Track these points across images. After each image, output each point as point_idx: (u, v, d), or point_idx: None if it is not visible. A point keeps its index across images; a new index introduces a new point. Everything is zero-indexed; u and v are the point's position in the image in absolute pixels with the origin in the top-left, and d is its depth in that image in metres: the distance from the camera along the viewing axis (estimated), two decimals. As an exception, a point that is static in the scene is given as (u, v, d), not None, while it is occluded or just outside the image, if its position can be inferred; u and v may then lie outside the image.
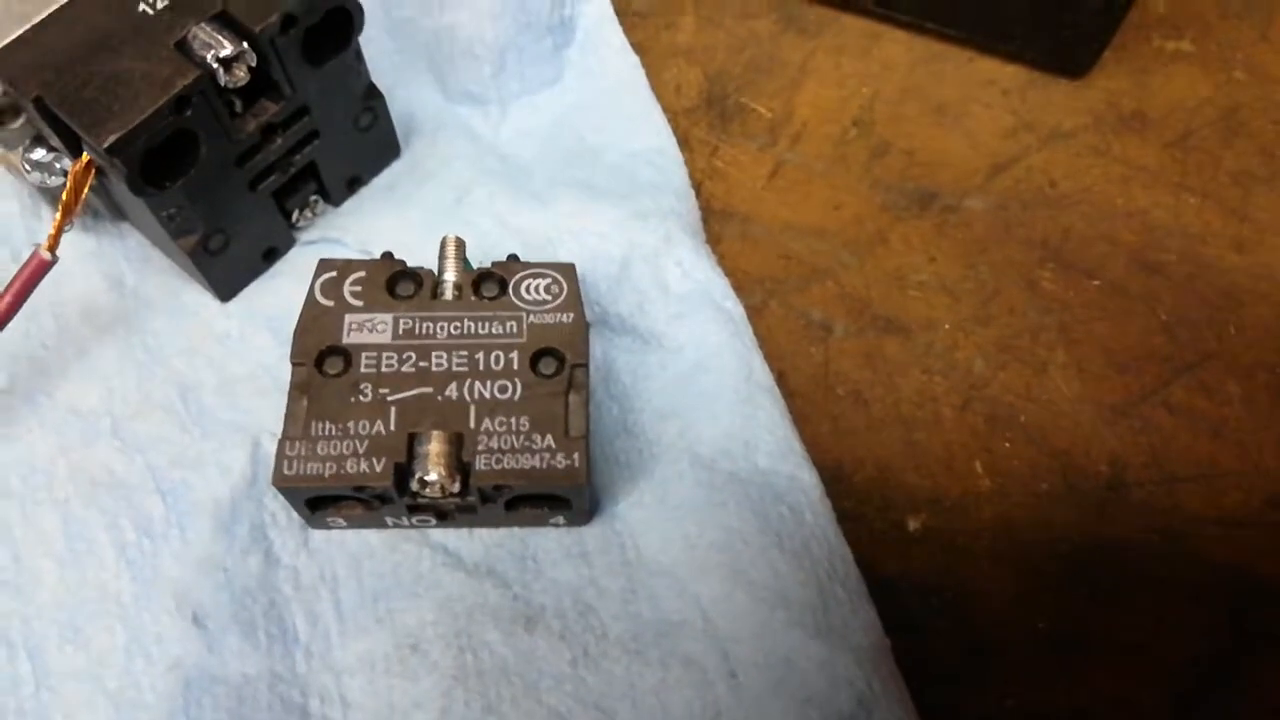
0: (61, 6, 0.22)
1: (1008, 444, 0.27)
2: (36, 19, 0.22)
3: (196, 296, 0.26)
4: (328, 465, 0.21)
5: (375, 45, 0.26)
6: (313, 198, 0.27)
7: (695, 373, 0.26)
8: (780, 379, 0.27)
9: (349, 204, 0.28)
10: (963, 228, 0.30)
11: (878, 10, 0.33)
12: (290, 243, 0.27)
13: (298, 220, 0.27)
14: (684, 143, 0.31)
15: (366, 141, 0.27)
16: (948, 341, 0.28)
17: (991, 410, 0.27)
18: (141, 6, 0.22)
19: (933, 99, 0.32)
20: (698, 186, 0.30)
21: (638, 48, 0.32)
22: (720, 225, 0.29)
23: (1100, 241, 0.30)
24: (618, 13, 0.32)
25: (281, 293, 0.26)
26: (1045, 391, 0.27)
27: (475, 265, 0.24)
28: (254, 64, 0.22)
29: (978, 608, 0.25)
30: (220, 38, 0.22)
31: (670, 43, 0.33)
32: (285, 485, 0.21)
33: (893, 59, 0.33)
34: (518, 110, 0.30)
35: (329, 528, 0.23)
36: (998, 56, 0.33)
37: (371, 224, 0.27)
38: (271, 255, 0.27)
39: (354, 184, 0.28)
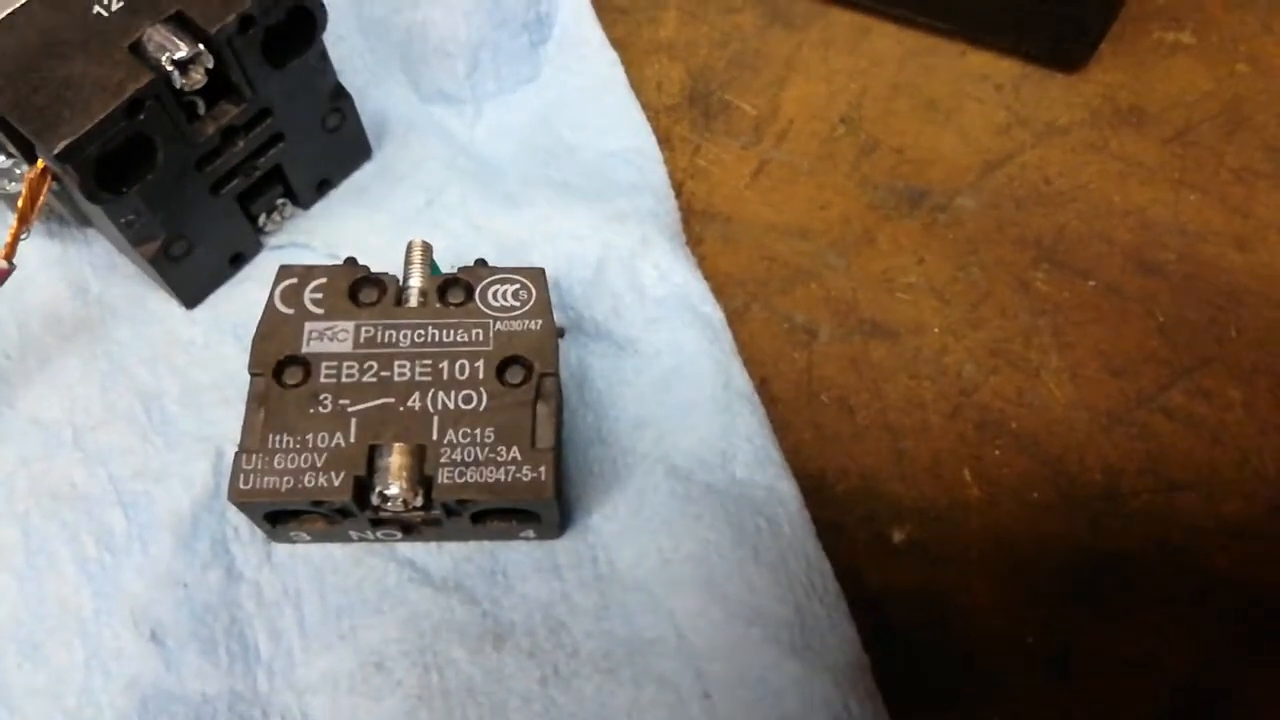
0: (13, 10, 0.22)
1: (998, 452, 0.26)
2: None
3: (162, 304, 0.26)
4: (285, 479, 0.20)
5: (346, 44, 0.26)
6: (280, 201, 0.26)
7: (672, 379, 0.25)
8: (762, 385, 0.27)
9: (318, 207, 0.28)
10: (953, 227, 0.29)
11: (867, 3, 0.32)
12: (257, 248, 0.27)
13: (265, 224, 0.26)
14: (665, 141, 0.30)
15: (335, 143, 0.27)
16: (937, 345, 0.28)
17: (982, 417, 0.27)
18: (95, 9, 0.22)
19: (923, 94, 0.32)
20: (679, 186, 0.30)
21: (618, 44, 0.32)
22: (702, 226, 0.29)
23: (1096, 241, 0.29)
24: (597, 8, 0.32)
25: (248, 299, 0.26)
26: (1038, 397, 0.27)
27: (446, 269, 0.24)
28: (211, 66, 0.22)
29: (965, 623, 0.24)
30: (175, 39, 0.21)
31: (652, 38, 0.33)
32: (241, 500, 0.20)
33: (882, 53, 0.33)
34: (493, 109, 0.30)
35: (292, 541, 0.23)
36: (991, 50, 0.33)
37: (341, 227, 0.27)
38: (238, 260, 0.26)
39: (323, 186, 0.27)
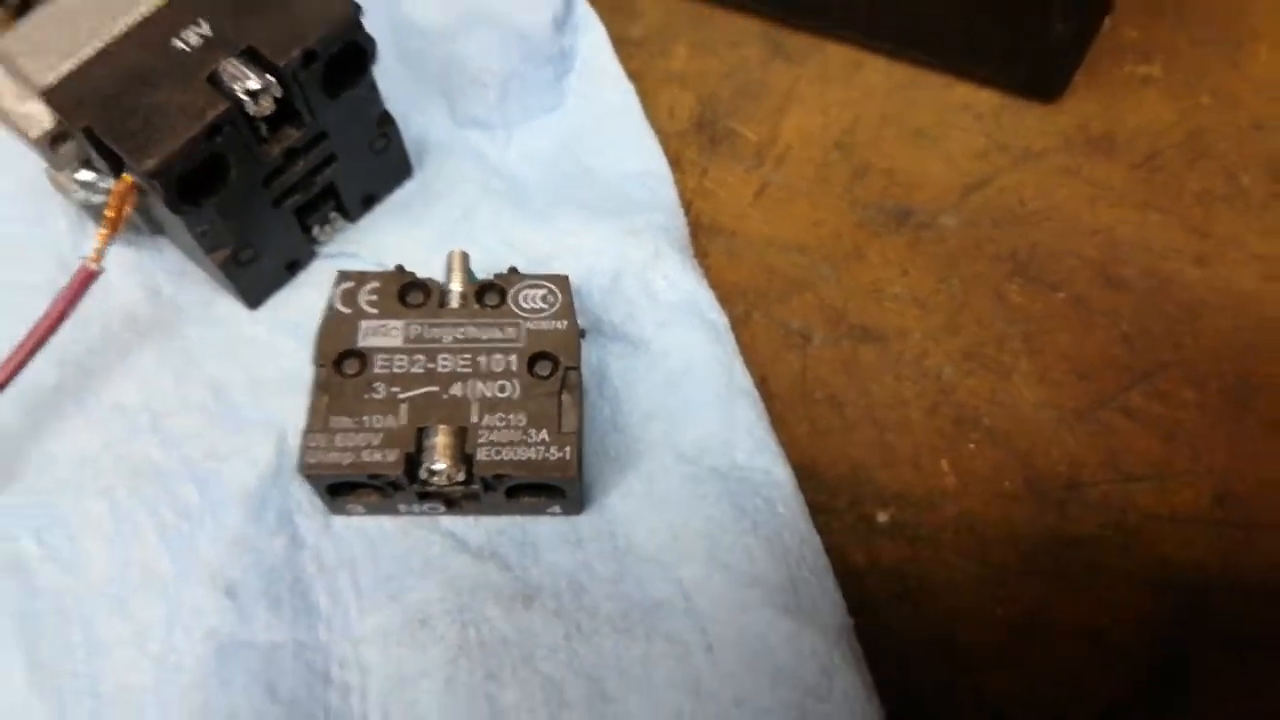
0: (106, 44, 0.25)
1: (972, 445, 0.28)
2: (84, 56, 0.24)
3: (227, 305, 0.29)
4: (346, 455, 0.23)
5: (390, 74, 0.28)
6: (332, 214, 0.29)
7: (680, 377, 0.27)
8: (761, 383, 0.29)
9: (365, 220, 0.30)
10: (936, 243, 0.31)
11: (859, 39, 0.34)
12: (311, 255, 0.29)
13: (318, 235, 0.29)
14: (675, 164, 0.32)
15: (381, 163, 0.29)
16: (918, 350, 0.30)
17: (958, 414, 0.29)
18: (177, 43, 0.24)
19: (911, 123, 0.34)
20: (688, 204, 0.32)
21: (633, 74, 0.34)
22: (708, 240, 0.31)
23: (1066, 257, 0.31)
24: (615, 41, 0.34)
25: (304, 301, 0.28)
26: (1009, 397, 0.29)
27: (479, 277, 0.26)
28: (279, 95, 0.24)
29: (939, 595, 0.26)
30: (248, 71, 0.24)
31: (664, 69, 0.35)
32: (309, 472, 0.23)
33: (873, 85, 0.34)
34: (521, 134, 0.32)
35: (348, 514, 0.25)
36: (973, 82, 0.34)
37: (385, 239, 0.30)
38: (294, 267, 0.29)
39: (369, 202, 0.30)
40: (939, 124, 0.34)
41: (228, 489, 0.26)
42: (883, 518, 0.27)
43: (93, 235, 0.28)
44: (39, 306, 0.27)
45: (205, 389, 0.27)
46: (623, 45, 0.34)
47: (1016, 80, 0.34)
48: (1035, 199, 0.32)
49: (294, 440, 0.26)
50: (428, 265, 0.27)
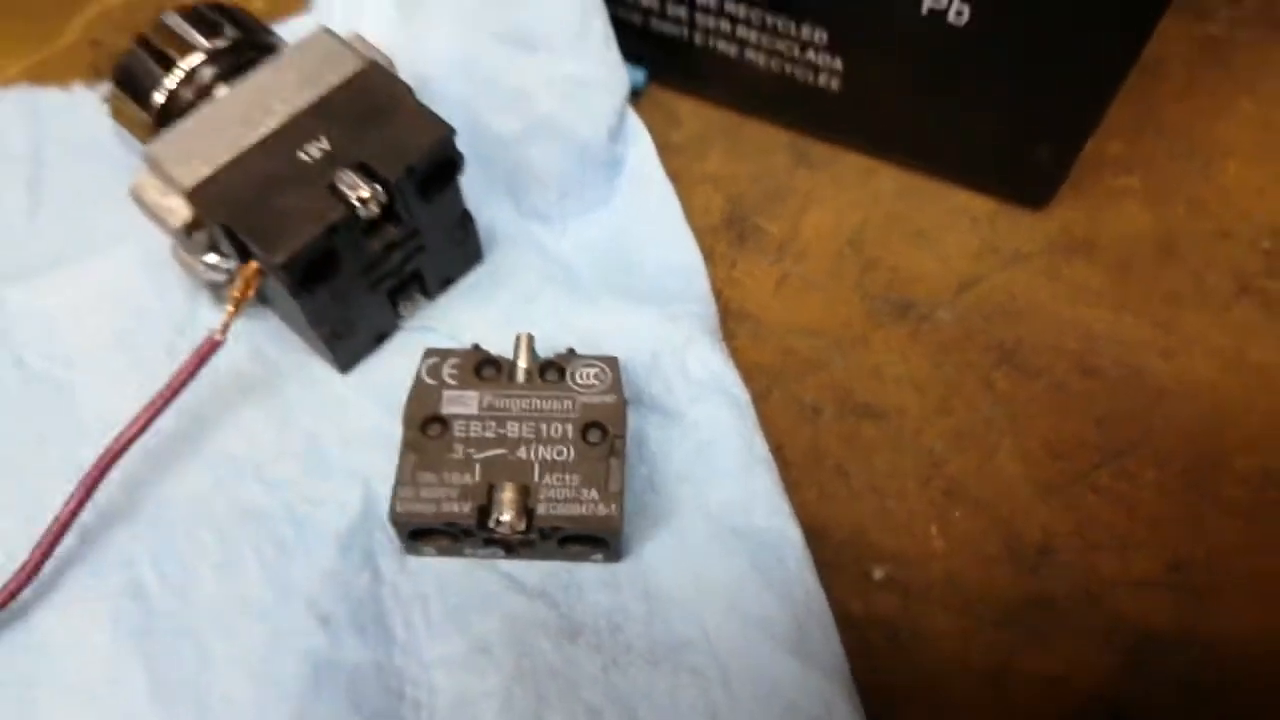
0: (241, 153, 0.29)
1: (959, 514, 0.31)
2: (222, 162, 0.29)
3: (322, 368, 0.32)
4: (429, 505, 0.27)
5: (466, 174, 0.32)
6: (415, 294, 0.33)
7: (708, 445, 0.31)
8: (778, 452, 0.31)
9: (442, 299, 0.34)
10: (933, 333, 0.34)
11: (872, 150, 0.38)
12: (396, 328, 0.33)
13: (403, 311, 0.33)
14: (708, 256, 0.35)
15: (458, 251, 0.33)
16: (915, 427, 0.32)
17: (948, 485, 0.31)
18: (301, 155, 0.28)
19: (914, 224, 0.37)
20: (718, 292, 0.35)
21: (673, 175, 0.37)
22: (735, 324, 0.35)
23: (1047, 348, 0.34)
24: (659, 146, 0.37)
25: (388, 367, 0.32)
26: (993, 472, 0.31)
27: (541, 355, 0.30)
28: (384, 201, 0.28)
29: (925, 643, 0.29)
30: (360, 182, 0.28)
31: (700, 171, 0.38)
32: (399, 519, 0.27)
33: (883, 190, 0.38)
34: (576, 227, 0.36)
35: (421, 554, 0.29)
36: (970, 189, 0.37)
37: (459, 316, 0.33)
38: (382, 338, 0.33)
39: (447, 283, 0.34)
40: (939, 226, 0.37)
41: (320, 529, 0.29)
42: (879, 574, 0.30)
43: (205, 305, 0.33)
44: (158, 363, 0.32)
45: (302, 441, 0.31)
46: (665, 149, 0.38)
47: (1008, 190, 0.37)
48: (1022, 296, 0.35)
49: (377, 488, 0.30)
50: (495, 339, 0.31)
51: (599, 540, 0.28)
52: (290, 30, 0.39)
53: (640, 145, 0.37)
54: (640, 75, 0.40)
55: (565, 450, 0.28)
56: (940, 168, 0.38)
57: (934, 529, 0.31)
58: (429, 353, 0.30)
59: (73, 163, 0.37)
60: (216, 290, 0.32)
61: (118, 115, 0.32)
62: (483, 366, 0.30)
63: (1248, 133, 0.39)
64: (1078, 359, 0.34)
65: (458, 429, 0.28)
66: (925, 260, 0.36)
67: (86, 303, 0.33)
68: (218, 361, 0.31)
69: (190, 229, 0.29)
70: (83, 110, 0.39)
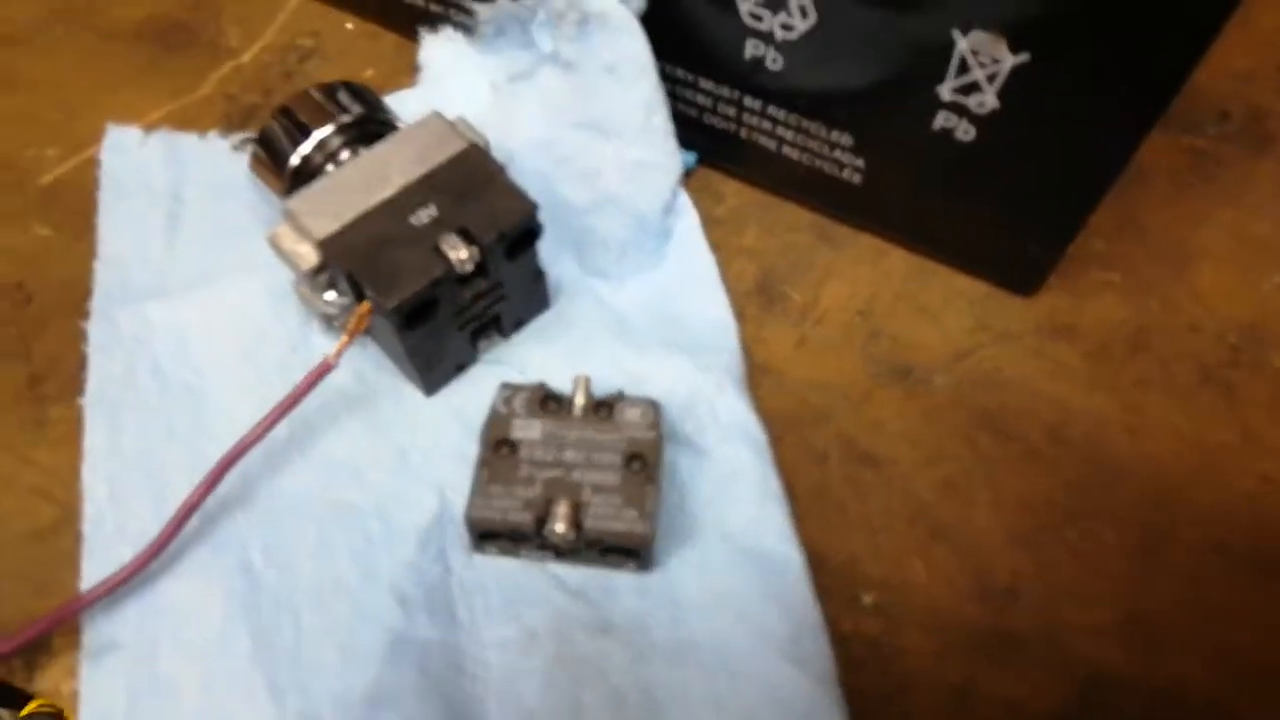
0: (363, 213, 0.34)
1: (940, 551, 0.34)
2: (347, 219, 0.34)
3: (411, 391, 0.37)
4: (496, 513, 0.32)
5: (541, 239, 0.37)
6: (492, 333, 0.38)
7: (729, 479, 0.34)
8: (789, 488, 0.35)
9: (514, 338, 0.39)
10: (927, 397, 0.38)
11: (887, 234, 0.43)
12: (473, 361, 0.38)
13: (480, 348, 0.38)
14: (740, 316, 0.39)
15: (531, 300, 0.38)
16: (906, 475, 0.36)
17: (933, 527, 0.35)
18: (413, 219, 0.34)
19: (918, 300, 0.41)
20: (747, 348, 0.39)
21: (715, 245, 0.41)
22: (760, 376, 0.38)
23: (1026, 417, 0.37)
24: (704, 219, 0.42)
25: (465, 394, 0.37)
26: (972, 519, 0.35)
27: (596, 393, 0.35)
28: (478, 260, 0.34)
29: (903, 660, 0.32)
30: (461, 244, 0.33)
31: (737, 244, 0.42)
32: (471, 522, 0.32)
33: (893, 268, 0.42)
34: (632, 285, 0.40)
35: (485, 553, 0.34)
36: (969, 273, 0.41)
37: (528, 354, 0.38)
38: (461, 369, 0.38)
39: (519, 325, 0.39)
40: (940, 303, 0.40)
41: (403, 526, 0.34)
42: (867, 599, 0.33)
43: (315, 331, 0.39)
44: (273, 376, 0.37)
45: (391, 451, 0.36)
46: (708, 222, 0.42)
47: (1002, 277, 0.41)
48: (1008, 369, 0.38)
49: (451, 497, 0.35)
50: (556, 374, 0.36)
51: (634, 552, 0.33)
52: (399, 100, 0.45)
53: (688, 218, 0.42)
54: (692, 158, 0.45)
55: (611, 475, 0.33)
56: (944, 253, 0.42)
57: (918, 563, 0.34)
58: (504, 387, 0.35)
59: (207, 200, 0.43)
60: (327, 321, 0.38)
61: (256, 169, 0.39)
62: (546, 401, 0.35)
63: (1224, 241, 0.42)
64: (1051, 429, 0.37)
65: (524, 451, 0.34)
66: (926, 332, 0.40)
67: (217, 321, 0.39)
68: (328, 381, 0.35)
69: (316, 272, 0.35)
70: (217, 155, 0.45)
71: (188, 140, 0.45)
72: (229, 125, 0.47)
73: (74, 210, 0.43)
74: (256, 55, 0.50)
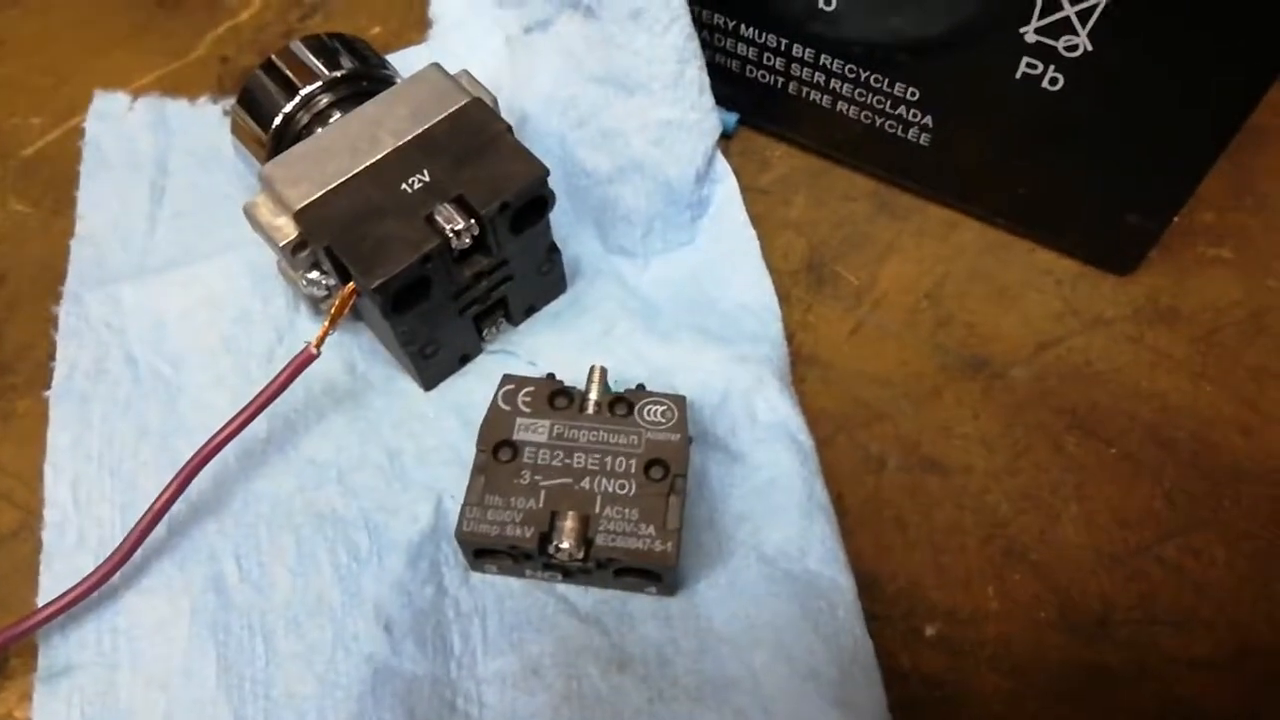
0: (347, 179, 0.30)
1: (1017, 576, 0.31)
2: (329, 186, 0.30)
3: (407, 384, 0.34)
4: (493, 527, 0.29)
5: (556, 207, 0.33)
6: (500, 320, 0.35)
7: (768, 488, 0.31)
8: (837, 499, 0.32)
9: (524, 326, 0.36)
10: (1006, 392, 0.35)
11: (957, 203, 0.39)
12: (479, 351, 0.35)
13: (486, 336, 0.35)
14: (785, 299, 0.36)
15: (543, 282, 0.35)
16: (980, 485, 0.33)
17: (1009, 546, 0.31)
18: (403, 186, 0.30)
19: (996, 281, 0.37)
20: (791, 336, 0.36)
21: (756, 219, 0.38)
22: (806, 368, 0.35)
23: (1121, 416, 0.34)
24: (744, 189, 0.38)
25: (468, 387, 0.34)
26: (1056, 537, 0.32)
27: (614, 386, 0.32)
28: (477, 233, 0.30)
29: (970, 705, 0.29)
30: (456, 215, 0.30)
31: (783, 216, 0.39)
32: (463, 538, 0.29)
33: (966, 244, 0.38)
34: (658, 264, 0.37)
35: (484, 571, 0.31)
36: (1055, 250, 0.37)
37: (539, 342, 0.35)
38: (465, 359, 0.35)
39: (529, 311, 0.36)
40: (1021, 284, 0.37)
41: (392, 539, 0.31)
42: (930, 631, 0.30)
43: (304, 315, 0.35)
44: (257, 367, 0.34)
45: (382, 452, 0.33)
46: (751, 192, 0.39)
47: (1095, 254, 0.37)
48: (1100, 361, 0.35)
49: (448, 505, 0.32)
50: (572, 366, 0.32)
51: (653, 574, 0.29)
52: (405, 59, 0.41)
53: (726, 187, 0.38)
54: (732, 119, 0.41)
55: (627, 484, 0.29)
56: (1025, 226, 0.38)
57: (990, 589, 0.31)
58: (505, 379, 0.31)
59: (195, 171, 0.40)
60: (316, 303, 0.34)
61: (237, 131, 0.35)
62: (555, 396, 0.31)
63: (1354, 211, 0.38)
64: (1152, 429, 0.34)
65: (527, 455, 0.30)
66: (1004, 318, 0.37)
67: (196, 305, 0.36)
68: (312, 372, 0.33)
69: (296, 248, 0.31)
70: (207, 122, 0.42)
71: (177, 106, 0.42)
72: (222, 90, 0.44)
73: (55, 184, 0.41)
74: (257, 13, 0.47)
